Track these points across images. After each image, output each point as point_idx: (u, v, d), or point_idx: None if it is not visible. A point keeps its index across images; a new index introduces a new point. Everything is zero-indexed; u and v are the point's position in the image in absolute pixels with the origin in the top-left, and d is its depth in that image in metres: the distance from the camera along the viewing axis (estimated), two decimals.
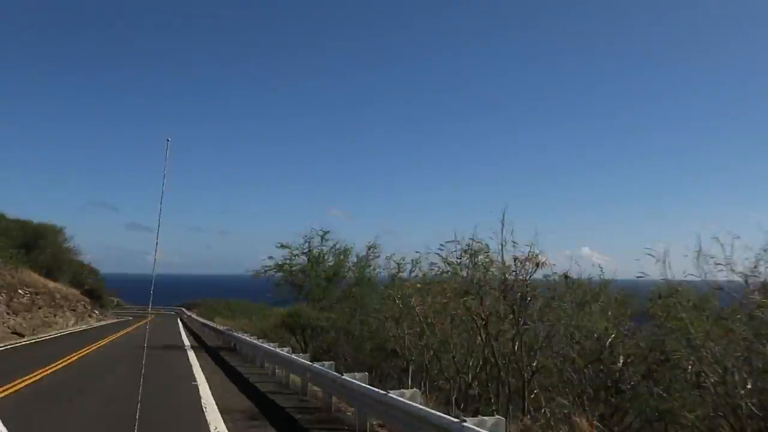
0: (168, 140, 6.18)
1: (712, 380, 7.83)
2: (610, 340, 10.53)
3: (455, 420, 6.27)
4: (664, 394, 9.28)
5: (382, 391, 8.36)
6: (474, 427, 5.99)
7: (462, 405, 12.20)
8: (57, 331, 33.29)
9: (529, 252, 11.32)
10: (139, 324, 44.61)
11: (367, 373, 10.65)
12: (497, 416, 6.42)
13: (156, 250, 6.24)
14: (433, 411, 6.84)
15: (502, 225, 11.60)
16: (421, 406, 7.13)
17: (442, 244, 13.38)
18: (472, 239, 12.90)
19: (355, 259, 25.88)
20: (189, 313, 60.12)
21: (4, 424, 7.20)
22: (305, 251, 26.24)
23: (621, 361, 10.30)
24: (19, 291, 33.45)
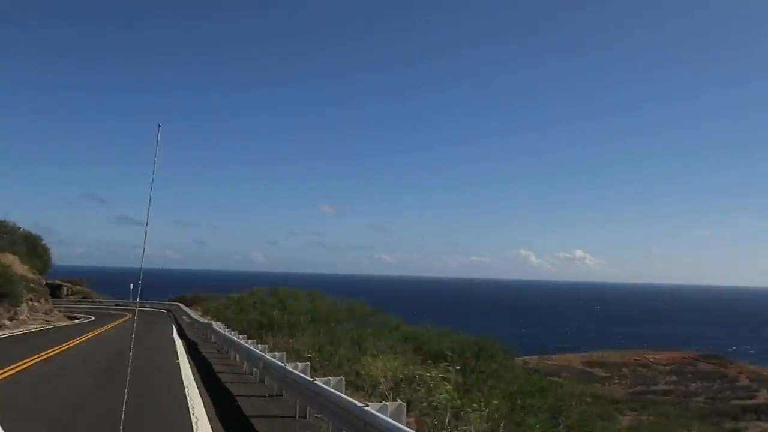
0: (159, 126, 6.13)
1: None
2: None
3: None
4: None
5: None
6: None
7: None
8: None
9: None
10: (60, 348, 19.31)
11: None
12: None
13: (145, 241, 5.95)
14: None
15: None
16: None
17: None
18: None
19: None
20: (194, 315, 39.05)
21: None
22: None
23: None
24: None
